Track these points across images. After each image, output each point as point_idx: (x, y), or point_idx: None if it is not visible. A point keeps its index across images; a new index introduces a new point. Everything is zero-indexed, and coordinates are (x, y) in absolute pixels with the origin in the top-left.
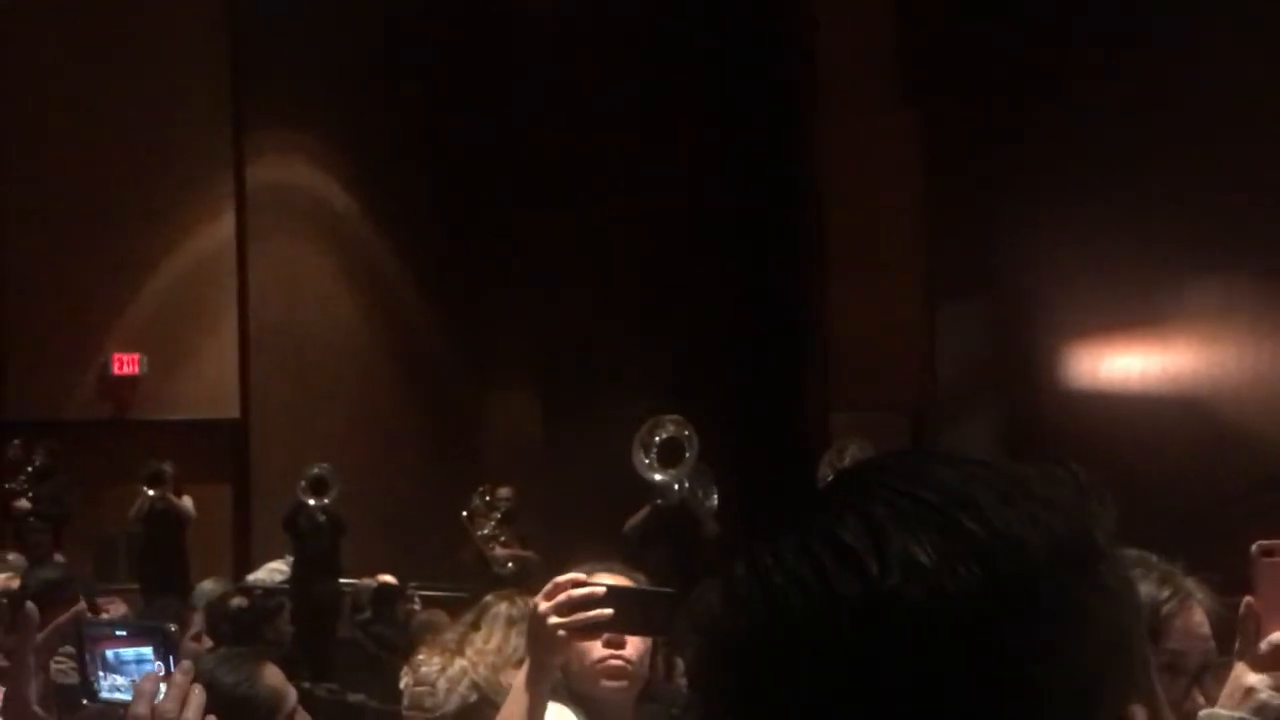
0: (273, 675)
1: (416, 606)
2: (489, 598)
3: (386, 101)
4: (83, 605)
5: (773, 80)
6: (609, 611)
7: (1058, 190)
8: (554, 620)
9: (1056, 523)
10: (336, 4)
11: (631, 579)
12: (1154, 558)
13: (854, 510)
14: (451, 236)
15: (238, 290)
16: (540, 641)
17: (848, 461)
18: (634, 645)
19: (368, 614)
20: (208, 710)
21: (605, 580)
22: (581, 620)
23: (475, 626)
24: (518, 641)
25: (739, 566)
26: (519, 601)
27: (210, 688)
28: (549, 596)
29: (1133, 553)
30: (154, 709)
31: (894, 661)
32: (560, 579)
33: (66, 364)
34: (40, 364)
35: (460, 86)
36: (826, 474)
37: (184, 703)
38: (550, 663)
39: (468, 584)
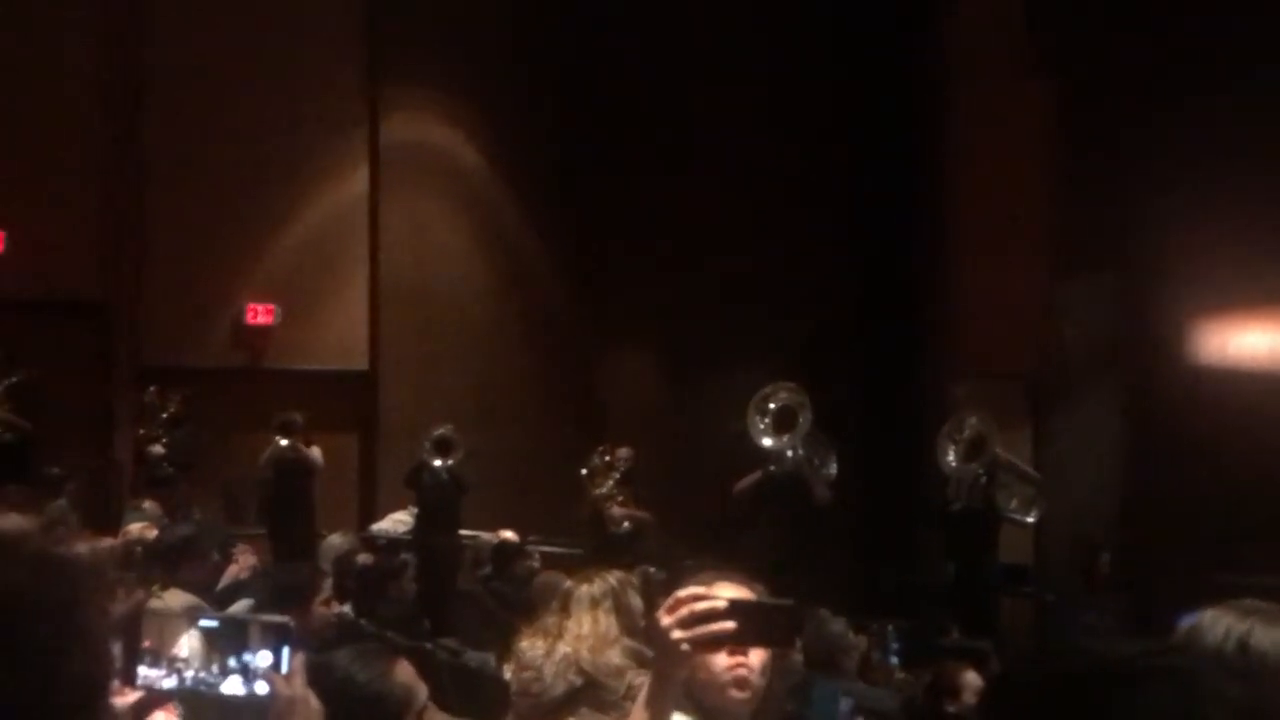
0: (404, 672)
1: (536, 564)
2: (568, 583)
3: (518, 61)
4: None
5: (900, 46)
6: (732, 625)
7: (1191, 164)
8: (677, 634)
9: None
10: None
11: (750, 588)
12: None
13: None
14: (579, 196)
15: (369, 244)
16: (664, 655)
17: (967, 434)
18: (755, 656)
19: (488, 570)
20: (340, 707)
21: (725, 592)
22: (705, 634)
23: (565, 612)
24: (607, 620)
25: None
26: (597, 580)
27: (343, 684)
28: (671, 611)
29: None
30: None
31: None
32: (682, 593)
33: (203, 313)
34: (178, 313)
35: (591, 47)
36: (945, 446)
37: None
38: (674, 676)
39: (584, 542)
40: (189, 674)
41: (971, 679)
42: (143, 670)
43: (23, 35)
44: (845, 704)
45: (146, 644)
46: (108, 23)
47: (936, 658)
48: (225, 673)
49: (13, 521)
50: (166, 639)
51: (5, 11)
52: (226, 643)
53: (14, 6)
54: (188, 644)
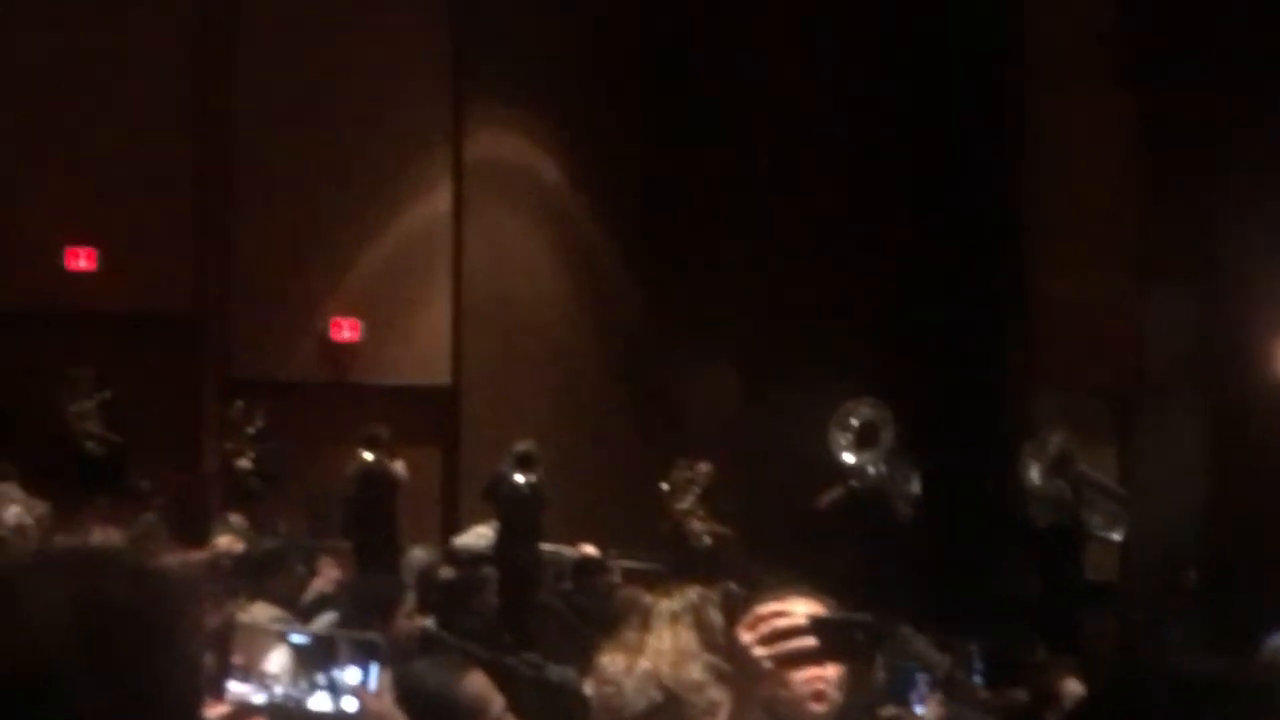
0: (476, 682)
1: (617, 579)
2: (647, 597)
3: (599, 78)
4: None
5: (982, 60)
6: (812, 641)
7: (1277, 175)
8: (759, 651)
9: None
10: None
11: (822, 603)
12: None
13: None
14: (659, 212)
15: (452, 260)
16: (745, 672)
17: (1051, 451)
18: (832, 670)
19: (569, 584)
20: (412, 715)
21: (799, 608)
22: (786, 651)
23: (645, 628)
24: (688, 636)
25: None
26: (677, 595)
27: (413, 692)
28: (752, 627)
29: None
30: None
31: None
32: (762, 610)
33: (289, 328)
34: (265, 327)
35: (671, 63)
36: (1029, 462)
37: None
38: (755, 692)
39: (665, 556)
40: (278, 689)
41: (1073, 687)
42: (233, 685)
43: (115, 54)
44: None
45: (237, 659)
46: (199, 41)
47: (1021, 676)
48: (314, 688)
49: (107, 535)
50: (256, 654)
51: (98, 30)
52: (315, 659)
53: (107, 26)
54: (277, 659)
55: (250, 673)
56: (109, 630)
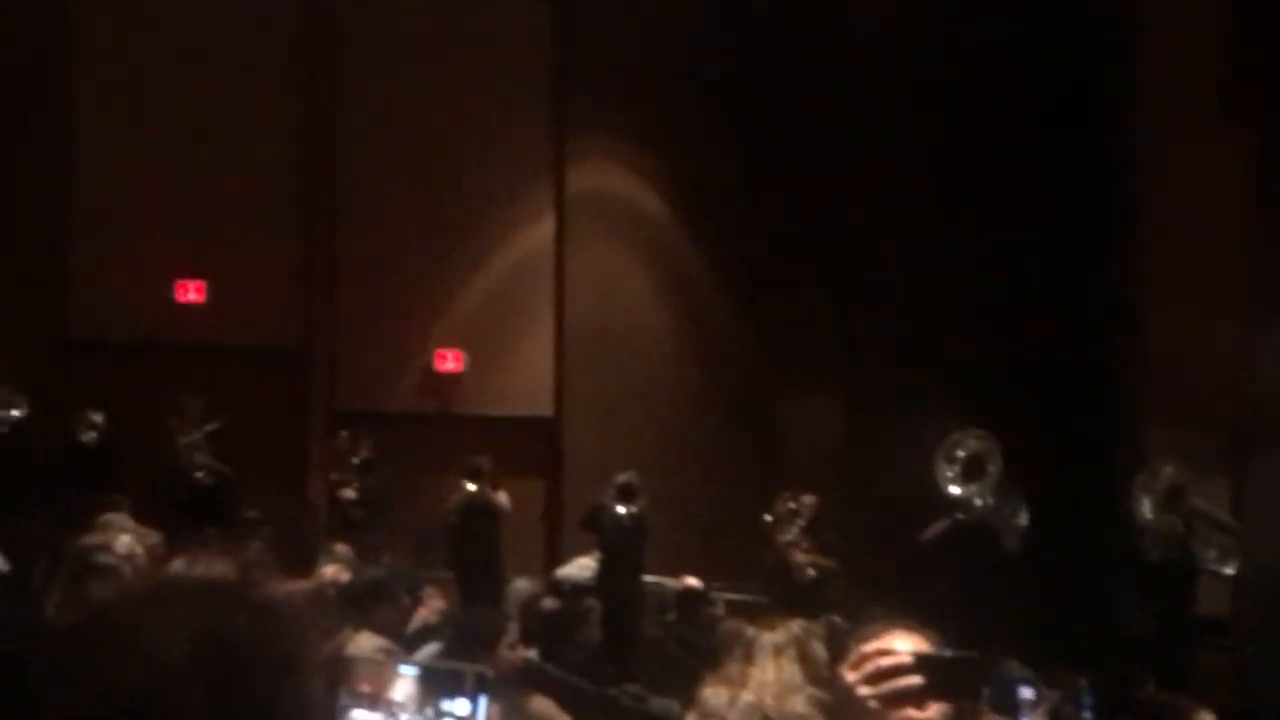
0: (541, 706)
1: (720, 611)
2: (750, 630)
3: (701, 109)
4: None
5: (1094, 93)
6: (918, 679)
7: None
8: (864, 690)
9: None
10: (657, 15)
11: (923, 637)
12: None
13: None
14: (762, 243)
15: (554, 291)
16: (849, 710)
17: (1163, 484)
18: (936, 707)
19: (672, 616)
20: None
21: (900, 643)
22: (892, 689)
23: (748, 660)
24: (791, 669)
25: None
26: (781, 628)
27: None
28: (856, 666)
29: None
30: None
31: None
32: (866, 649)
33: (394, 360)
34: (370, 359)
35: (775, 96)
36: (1141, 495)
37: None
38: None
39: (768, 588)
40: (403, 718)
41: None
42: (361, 713)
43: (225, 95)
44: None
45: (364, 688)
46: (303, 76)
47: (1132, 711)
48: (438, 717)
49: (216, 565)
50: (383, 683)
51: (208, 68)
52: (437, 688)
53: (215, 63)
54: (403, 688)
55: (378, 701)
56: (231, 664)
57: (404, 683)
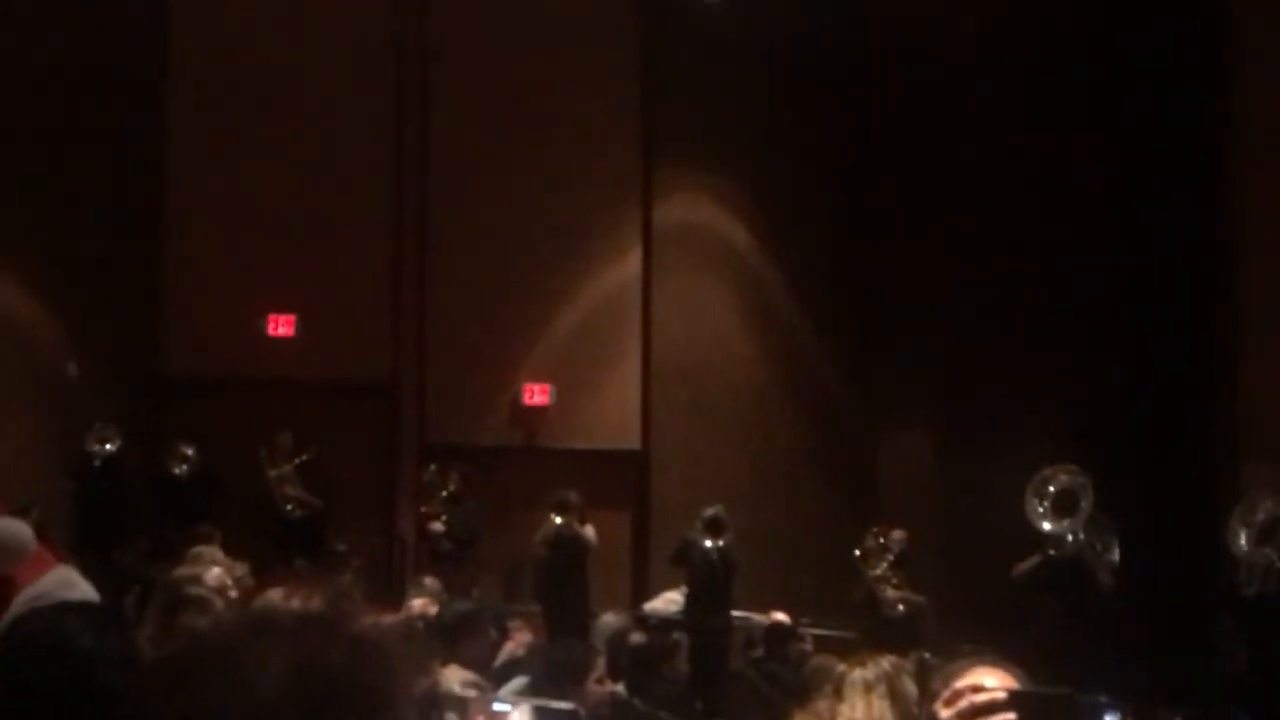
0: None
1: (809, 646)
2: (840, 665)
3: (789, 143)
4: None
5: (1184, 131)
6: (1012, 716)
7: None
8: None
9: None
10: (745, 51)
11: (1008, 670)
12: None
13: None
14: (850, 275)
15: (642, 325)
16: None
17: (1261, 517)
18: None
19: (760, 651)
20: None
21: (990, 679)
22: None
23: (838, 696)
24: (881, 705)
25: None
26: (871, 664)
27: None
28: (950, 703)
29: None
30: None
31: None
32: (959, 685)
33: (482, 393)
34: (459, 393)
35: (862, 130)
36: (1238, 529)
37: None
38: None
39: (857, 624)
40: None
41: None
42: None
43: (314, 127)
44: None
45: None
46: (395, 113)
47: None
48: None
49: (319, 600)
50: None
51: (301, 106)
52: None
53: (308, 101)
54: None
55: None
56: (325, 697)
57: (518, 715)
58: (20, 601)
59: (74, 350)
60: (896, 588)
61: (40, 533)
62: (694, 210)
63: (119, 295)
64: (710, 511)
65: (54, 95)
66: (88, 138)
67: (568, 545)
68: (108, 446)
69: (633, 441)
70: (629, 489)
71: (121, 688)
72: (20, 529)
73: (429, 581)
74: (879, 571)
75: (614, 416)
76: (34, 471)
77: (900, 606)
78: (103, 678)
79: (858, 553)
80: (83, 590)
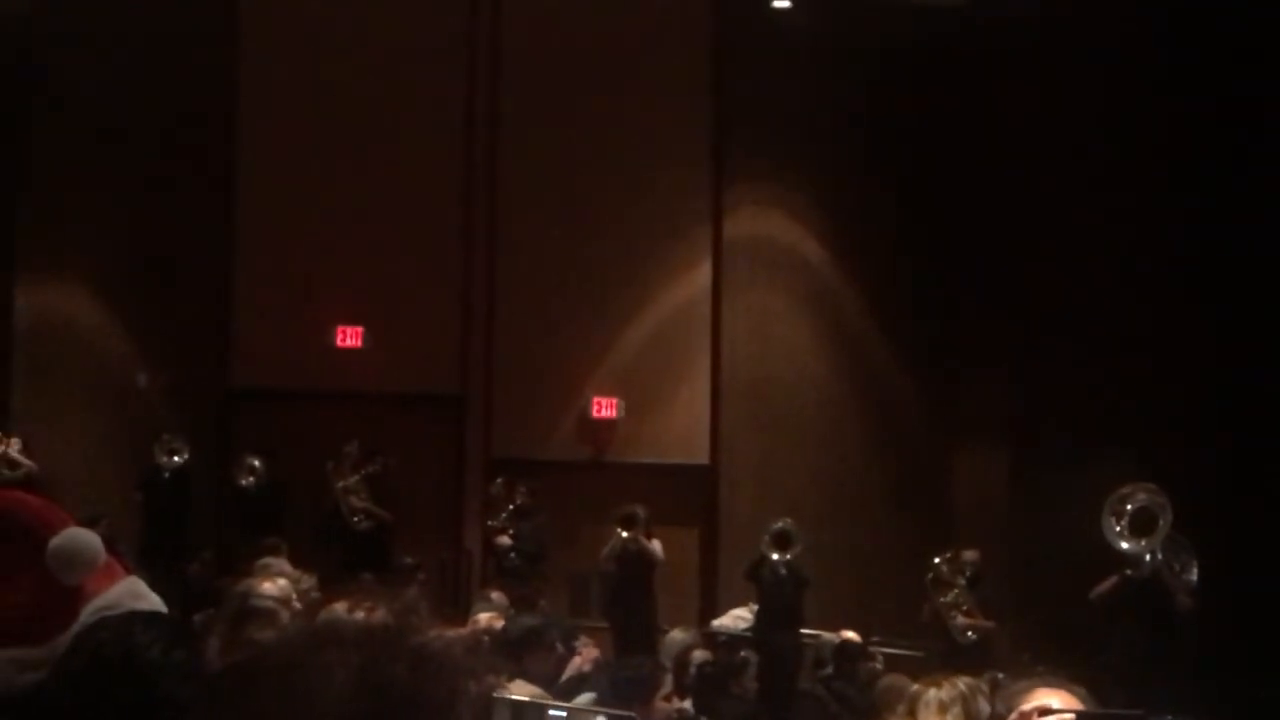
0: None
1: (879, 665)
2: (914, 685)
3: (860, 157)
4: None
5: (1267, 151)
6: None
7: None
8: None
9: None
10: (817, 64)
11: (1071, 691)
12: None
13: None
14: (922, 291)
15: (711, 339)
16: None
17: None
18: None
19: (830, 669)
20: None
21: (1054, 700)
22: None
23: (911, 716)
24: None
25: None
26: (946, 685)
27: None
28: None
29: None
30: None
31: None
32: (1026, 708)
33: (550, 407)
34: (526, 406)
35: (936, 144)
36: None
37: None
38: None
39: (929, 643)
40: None
41: None
42: None
43: (383, 140)
44: None
45: None
46: (463, 126)
47: None
48: None
49: (385, 613)
50: None
51: (370, 121)
52: None
53: (378, 115)
54: None
55: None
56: (389, 710)
57: None
58: (89, 611)
59: (144, 361)
60: (967, 615)
61: (109, 544)
62: (764, 224)
63: (189, 307)
64: (778, 525)
65: (130, 110)
66: (161, 152)
67: (634, 560)
68: (176, 458)
69: (701, 456)
70: (697, 504)
71: (188, 699)
72: (90, 539)
73: (495, 595)
74: (949, 598)
75: (682, 431)
76: (103, 482)
77: (970, 633)
78: (170, 689)
79: (930, 577)
80: (151, 601)
